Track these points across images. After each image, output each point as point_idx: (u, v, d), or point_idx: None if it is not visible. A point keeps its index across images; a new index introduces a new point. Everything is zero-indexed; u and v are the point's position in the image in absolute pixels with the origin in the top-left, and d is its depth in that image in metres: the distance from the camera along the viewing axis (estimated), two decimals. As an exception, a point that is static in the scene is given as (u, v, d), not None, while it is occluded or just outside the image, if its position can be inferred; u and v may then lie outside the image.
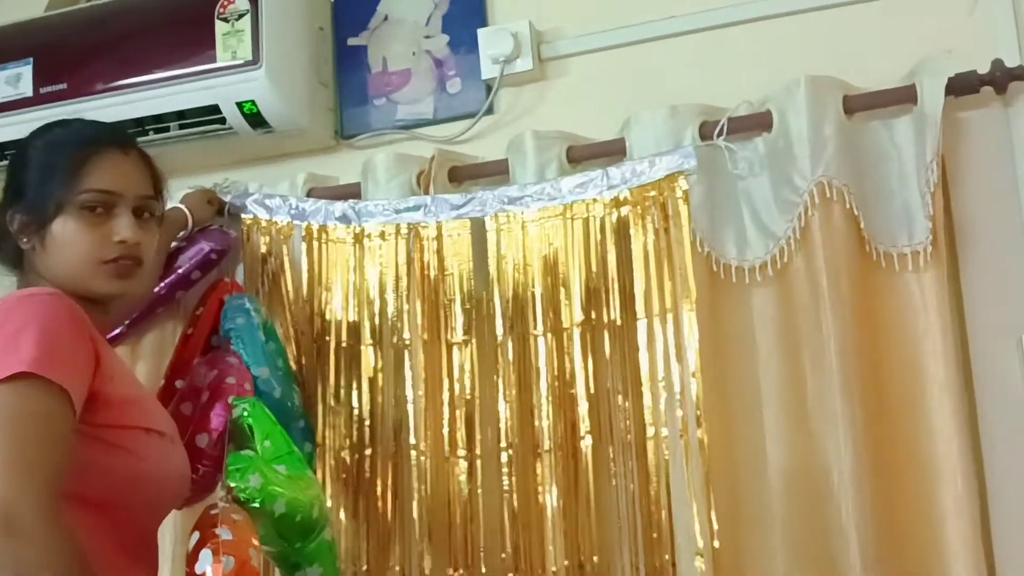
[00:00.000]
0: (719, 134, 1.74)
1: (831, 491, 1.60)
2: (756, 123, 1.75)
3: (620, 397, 1.69)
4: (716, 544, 1.57)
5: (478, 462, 1.74)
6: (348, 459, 1.78)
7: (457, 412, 1.76)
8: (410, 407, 1.75)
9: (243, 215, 1.85)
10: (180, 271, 1.74)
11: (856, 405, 1.60)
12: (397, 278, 1.82)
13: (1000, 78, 1.64)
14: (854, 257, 1.66)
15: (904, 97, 1.67)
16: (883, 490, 1.60)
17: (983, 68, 1.65)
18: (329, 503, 1.71)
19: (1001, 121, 1.68)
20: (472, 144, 1.98)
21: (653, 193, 1.69)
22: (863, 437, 1.59)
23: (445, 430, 1.76)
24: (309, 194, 1.96)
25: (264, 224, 1.87)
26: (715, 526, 1.58)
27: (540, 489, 1.69)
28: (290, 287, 1.84)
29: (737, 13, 1.86)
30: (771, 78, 1.75)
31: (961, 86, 1.65)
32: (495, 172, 1.89)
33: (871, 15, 1.78)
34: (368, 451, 1.77)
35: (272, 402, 1.58)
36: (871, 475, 1.58)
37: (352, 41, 2.13)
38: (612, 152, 1.82)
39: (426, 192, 1.86)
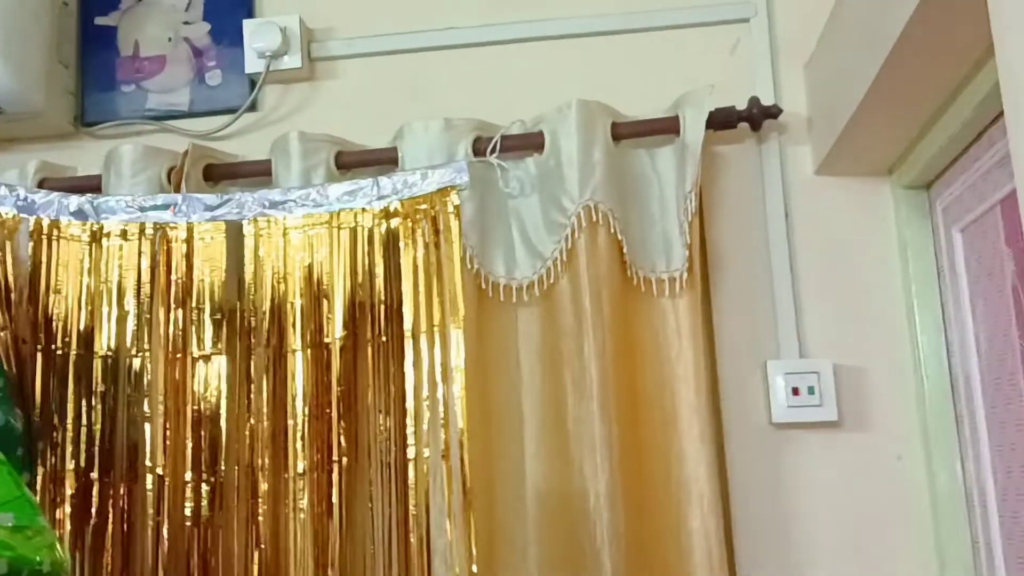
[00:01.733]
0: (492, 151, 1.67)
1: (587, 513, 1.56)
2: (528, 143, 1.69)
3: (382, 416, 1.55)
4: (475, 568, 1.48)
5: (222, 486, 1.54)
6: (74, 483, 1.54)
7: (202, 432, 1.56)
8: (147, 425, 1.54)
9: (-43, 204, 1.56)
10: None
11: (613, 427, 1.56)
12: (139, 283, 1.61)
13: (756, 115, 1.67)
14: (616, 281, 1.63)
15: (668, 127, 1.67)
16: (636, 512, 1.58)
17: (741, 105, 1.67)
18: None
19: (754, 156, 1.72)
20: (232, 142, 1.80)
21: (424, 206, 1.59)
22: (619, 459, 1.56)
23: (188, 451, 1.56)
24: (40, 185, 1.71)
25: (-16, 216, 1.59)
26: (474, 550, 1.48)
27: (290, 514, 1.53)
28: (12, 288, 1.58)
29: (514, 31, 1.81)
30: (544, 99, 1.70)
31: (720, 120, 1.66)
32: (256, 173, 1.72)
33: (640, 46, 1.78)
34: (96, 474, 1.54)
35: None
36: (625, 497, 1.55)
37: (100, 20, 1.88)
38: (383, 161, 1.70)
39: (177, 190, 1.66)
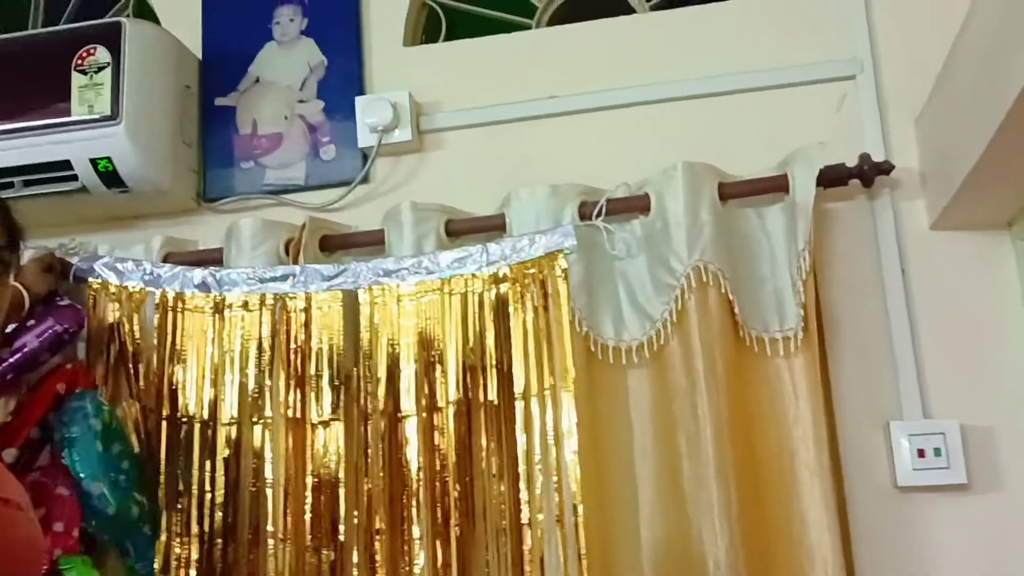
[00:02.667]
0: (598, 214, 1.67)
1: (707, 579, 1.51)
2: (634, 205, 1.69)
3: (495, 481, 1.55)
4: (592, 634, 1.45)
5: (342, 551, 1.56)
6: (198, 549, 1.57)
7: (321, 497, 1.58)
8: (269, 491, 1.57)
9: (90, 278, 1.64)
10: (26, 350, 1.52)
11: (731, 491, 1.52)
12: (260, 351, 1.65)
13: (867, 171, 1.64)
14: (728, 341, 1.61)
15: (777, 186, 1.65)
16: (757, 578, 1.52)
17: (851, 161, 1.65)
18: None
19: (867, 213, 1.69)
20: (346, 213, 1.85)
21: (533, 270, 1.60)
22: (738, 524, 1.52)
23: (308, 516, 1.58)
24: (166, 259, 1.78)
25: (114, 290, 1.67)
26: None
27: (408, 578, 1.53)
28: (140, 359, 1.64)
29: (616, 97, 1.82)
30: (649, 162, 1.70)
31: (830, 178, 1.64)
32: (370, 243, 1.76)
33: (745, 105, 1.77)
34: (220, 540, 1.57)
35: (106, 519, 1.44)
36: (747, 563, 1.50)
37: (220, 101, 1.97)
38: (491, 227, 1.72)
39: (295, 261, 1.71)
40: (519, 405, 1.57)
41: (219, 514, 1.59)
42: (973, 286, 1.63)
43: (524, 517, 1.53)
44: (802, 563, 1.52)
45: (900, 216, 1.67)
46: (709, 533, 1.52)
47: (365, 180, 1.86)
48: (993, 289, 1.62)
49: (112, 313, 1.67)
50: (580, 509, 1.47)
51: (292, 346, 1.65)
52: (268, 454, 1.59)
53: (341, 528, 1.57)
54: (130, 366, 1.67)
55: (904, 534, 1.56)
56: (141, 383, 1.66)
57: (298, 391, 1.63)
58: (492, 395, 1.59)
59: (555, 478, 1.51)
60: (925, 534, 1.56)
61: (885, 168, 1.65)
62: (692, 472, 1.56)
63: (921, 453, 1.55)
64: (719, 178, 1.67)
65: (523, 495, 1.53)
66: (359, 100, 1.86)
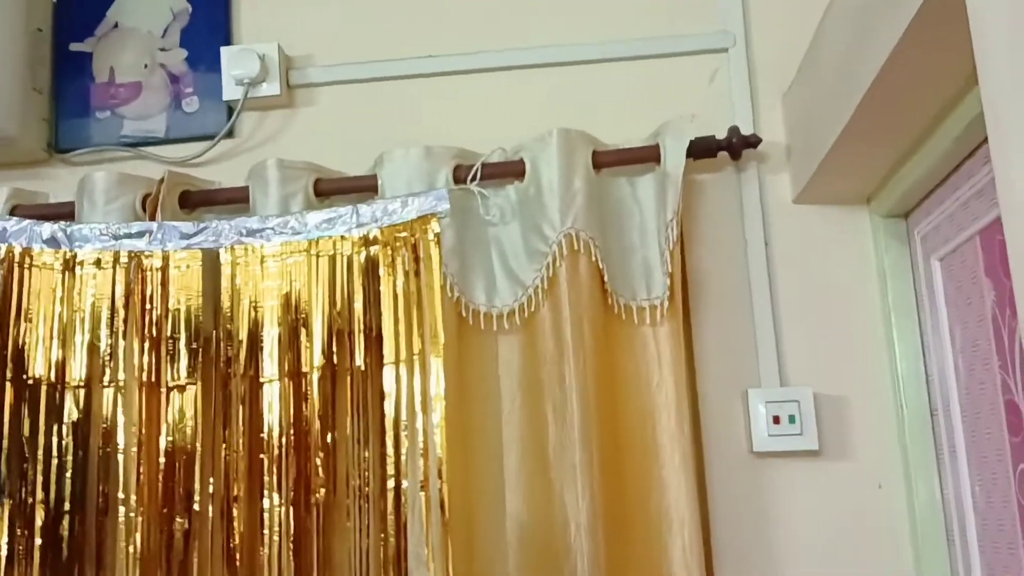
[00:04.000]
0: (472, 179, 1.65)
1: (568, 544, 1.53)
2: (509, 171, 1.67)
3: (360, 447, 1.52)
4: (452, 600, 1.44)
5: (197, 518, 1.50)
6: (43, 516, 1.48)
7: (176, 463, 1.52)
8: (120, 457, 1.50)
9: (-75, 230, 1.52)
10: None
11: (594, 456, 1.54)
12: (113, 311, 1.56)
13: (735, 144, 1.67)
14: (597, 308, 1.61)
15: (648, 156, 1.65)
16: (617, 542, 1.55)
17: (720, 134, 1.66)
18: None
19: (734, 185, 1.72)
20: (208, 169, 1.77)
21: (404, 234, 1.56)
22: (600, 488, 1.53)
23: (161, 483, 1.51)
24: (13, 212, 1.68)
25: (-47, 243, 1.54)
26: (453, 581, 1.45)
27: (266, 548, 1.49)
28: (-19, 317, 1.53)
29: (493, 59, 1.79)
30: (525, 127, 1.69)
31: (700, 149, 1.66)
32: (233, 200, 1.69)
33: (620, 74, 1.77)
34: (68, 508, 1.49)
35: None
36: (606, 527, 1.52)
37: (75, 47, 1.85)
38: (362, 188, 1.67)
39: (152, 217, 1.62)
40: (387, 371, 1.54)
41: (67, 481, 1.51)
42: (832, 259, 1.68)
43: (389, 483, 1.51)
44: (660, 525, 1.55)
45: (765, 189, 1.70)
46: (571, 497, 1.53)
47: (230, 135, 1.78)
48: (851, 262, 1.68)
49: (-49, 268, 1.56)
50: (444, 474, 1.46)
51: (147, 306, 1.57)
52: (120, 418, 1.52)
53: (196, 496, 1.51)
54: (-30, 325, 1.56)
55: (758, 497, 1.61)
56: (-18, 342, 1.56)
57: (153, 353, 1.56)
58: (359, 360, 1.55)
59: (421, 444, 1.49)
60: (778, 497, 1.61)
61: (752, 141, 1.67)
62: (557, 438, 1.57)
63: (776, 420, 1.60)
64: (593, 146, 1.67)
65: (389, 461, 1.51)
66: (225, 51, 1.77)
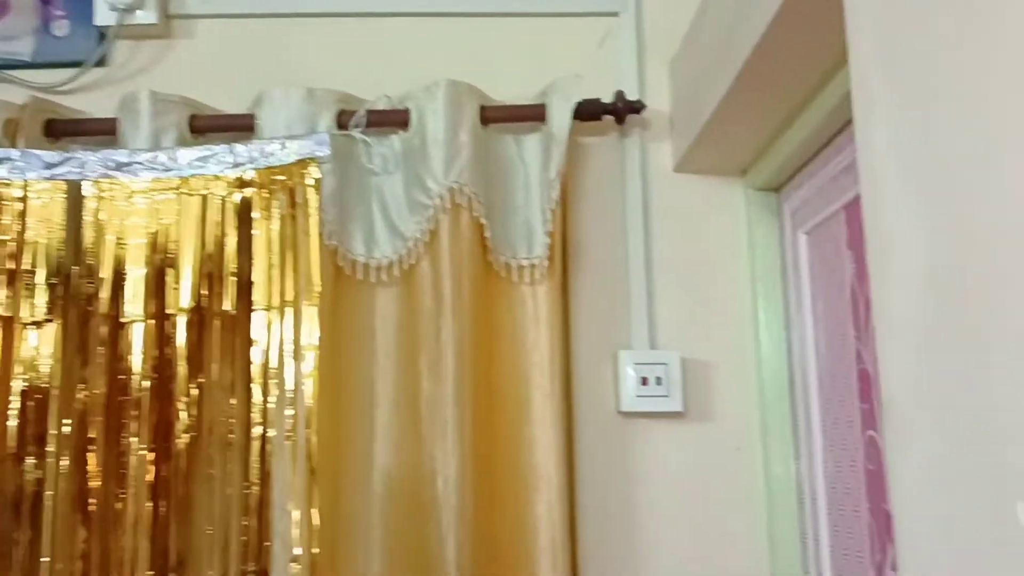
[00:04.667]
0: (356, 125, 1.61)
1: (435, 497, 1.53)
2: (394, 119, 1.64)
3: (226, 393, 1.48)
4: (315, 550, 1.43)
5: (50, 460, 1.44)
6: None
7: (29, 403, 1.44)
8: (-32, 394, 1.42)
9: None
10: None
11: (467, 412, 1.54)
12: (-35, 241, 1.47)
13: (621, 109, 1.68)
14: (477, 265, 1.61)
15: (535, 115, 1.65)
16: (484, 497, 1.56)
17: (607, 97, 1.67)
18: None
19: (617, 149, 1.73)
20: (77, 97, 1.68)
21: (282, 177, 1.52)
22: (470, 444, 1.54)
23: (13, 423, 1.44)
24: None
25: None
26: (316, 531, 1.43)
27: (124, 492, 1.44)
28: None
29: (384, 4, 1.75)
30: (412, 76, 1.66)
31: (587, 111, 1.66)
32: (101, 131, 1.61)
33: (511, 30, 1.76)
34: (-94, 446, 1.41)
35: None
36: (474, 482, 1.53)
37: (-67, -44, 1.71)
38: (239, 127, 1.61)
39: (13, 144, 1.53)
40: (258, 317, 1.50)
41: (-93, 418, 1.42)
42: (707, 228, 1.72)
43: (255, 432, 1.48)
44: (527, 482, 1.57)
45: (647, 156, 1.73)
46: (441, 452, 1.53)
47: (101, 63, 1.69)
48: (724, 232, 1.72)
49: None
50: (314, 424, 1.44)
51: (4, 237, 1.48)
52: (-32, 354, 1.44)
53: (50, 436, 1.45)
54: None
55: (624, 456, 1.64)
56: None
57: (9, 287, 1.47)
58: (228, 305, 1.51)
59: (290, 393, 1.46)
60: (643, 457, 1.65)
61: (637, 107, 1.69)
62: (430, 393, 1.56)
63: (644, 381, 1.64)
64: (481, 100, 1.65)
65: (255, 409, 1.48)
66: (99, -27, 1.67)
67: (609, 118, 1.69)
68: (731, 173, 1.72)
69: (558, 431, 1.58)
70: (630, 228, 1.70)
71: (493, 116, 1.65)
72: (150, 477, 1.45)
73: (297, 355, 1.48)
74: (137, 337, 1.48)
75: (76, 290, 1.49)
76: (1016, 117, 0.71)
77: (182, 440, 1.47)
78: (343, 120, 1.62)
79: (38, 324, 1.48)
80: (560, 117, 1.62)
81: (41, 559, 1.42)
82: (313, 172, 1.52)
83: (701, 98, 1.55)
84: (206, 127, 1.62)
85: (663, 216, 1.71)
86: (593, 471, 1.64)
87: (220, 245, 1.52)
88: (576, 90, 1.63)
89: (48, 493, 1.44)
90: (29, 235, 1.49)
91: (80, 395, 1.46)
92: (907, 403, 0.87)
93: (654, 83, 1.74)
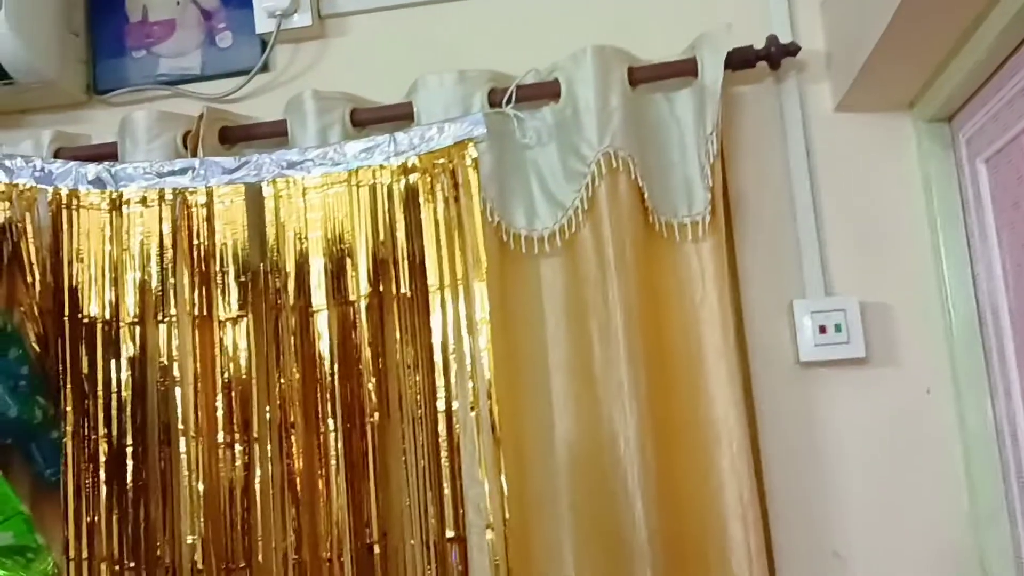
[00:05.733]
0: (508, 102, 1.62)
1: (617, 459, 1.53)
2: (544, 92, 1.64)
3: (410, 371, 1.53)
4: (507, 516, 1.47)
5: (256, 446, 1.53)
6: (106, 449, 1.52)
7: (232, 394, 1.54)
8: (178, 390, 1.52)
9: (-25, 177, 1.54)
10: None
11: (640, 373, 1.53)
12: (161, 248, 1.58)
13: (775, 54, 1.62)
14: (638, 227, 1.60)
15: (685, 70, 1.62)
16: (666, 456, 1.55)
17: (759, 44, 1.62)
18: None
19: (774, 96, 1.68)
20: (245, 104, 1.76)
21: (442, 160, 1.55)
22: (647, 405, 1.53)
23: (219, 413, 1.54)
24: (56, 155, 1.68)
25: (3, 188, 1.57)
26: (506, 497, 1.47)
27: (324, 472, 1.52)
28: (34, 260, 1.56)
29: (524, -22, 1.74)
30: (557, 47, 1.65)
31: (738, 61, 1.61)
32: (272, 134, 1.68)
33: (653, -13, 1.72)
34: (129, 440, 1.53)
35: (7, 423, 1.39)
36: (654, 442, 1.53)
37: (107, -12, 1.83)
38: (399, 116, 1.66)
39: (193, 154, 1.62)
40: (432, 296, 1.54)
41: (127, 415, 1.55)
42: (875, 167, 1.64)
43: (440, 406, 1.52)
44: (707, 439, 1.55)
45: (806, 98, 1.66)
46: (619, 413, 1.53)
47: (264, 68, 1.77)
48: (895, 170, 1.64)
49: (2, 213, 1.58)
50: (494, 395, 1.47)
51: (195, 242, 1.58)
52: (175, 352, 1.55)
53: (254, 423, 1.54)
54: (25, 268, 1.59)
55: (806, 407, 1.60)
56: (38, 286, 1.59)
57: (203, 288, 1.57)
58: (404, 288, 1.56)
59: (469, 367, 1.50)
60: (826, 407, 1.60)
61: (792, 50, 1.63)
62: (602, 357, 1.57)
63: (823, 329, 1.59)
64: (628, 62, 1.63)
65: (439, 384, 1.52)
66: (255, -17, 1.75)
67: (763, 64, 1.64)
68: (898, 107, 1.64)
69: (735, 386, 1.55)
70: (794, 175, 1.64)
71: (642, 77, 1.63)
72: (347, 454, 1.52)
73: (472, 330, 1.51)
74: (323, 325, 1.55)
75: (264, 286, 1.57)
76: None
77: (373, 419, 1.53)
78: (495, 98, 1.63)
79: (233, 320, 1.57)
80: (712, 69, 1.58)
81: (256, 539, 1.52)
82: (471, 152, 1.54)
83: (860, 33, 1.47)
84: (367, 119, 1.67)
85: (828, 159, 1.65)
86: (776, 424, 1.61)
87: (391, 231, 1.57)
88: (726, 40, 1.58)
89: (257, 476, 1.53)
90: (217, 238, 1.58)
91: (277, 383, 1.54)
92: None
93: (807, 24, 1.67)
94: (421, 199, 1.56)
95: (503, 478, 1.47)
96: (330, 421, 1.52)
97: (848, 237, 1.63)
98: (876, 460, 1.58)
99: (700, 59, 1.60)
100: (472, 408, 1.49)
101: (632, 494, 1.51)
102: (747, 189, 1.65)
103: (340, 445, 1.52)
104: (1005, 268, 1.47)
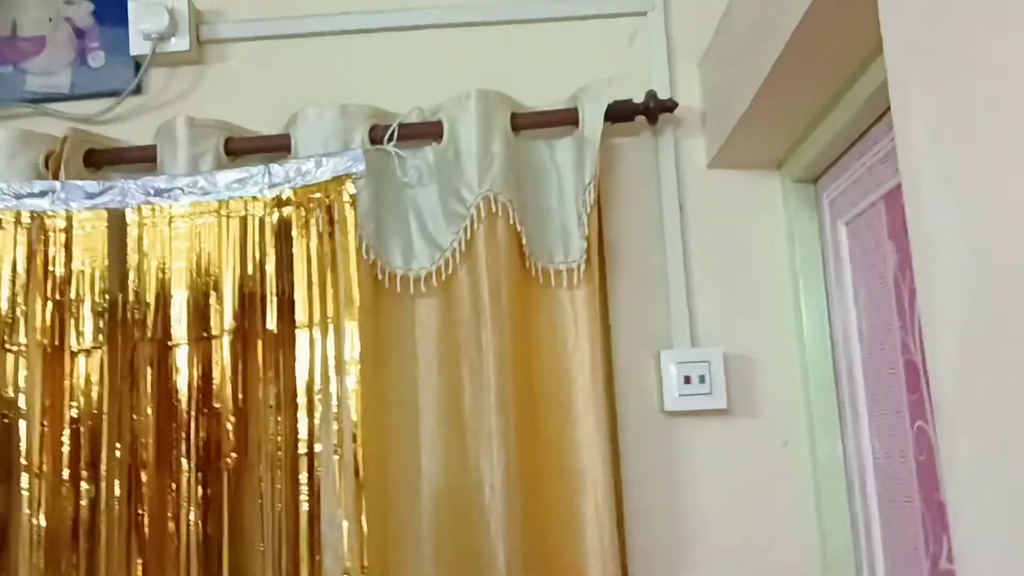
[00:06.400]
0: (390, 139, 1.60)
1: (482, 506, 1.52)
2: (427, 132, 1.63)
3: (272, 411, 1.48)
4: (365, 562, 1.43)
5: (103, 485, 1.45)
6: (-59, 485, 1.42)
7: (81, 429, 1.46)
8: (23, 423, 1.44)
9: None
10: None
11: (510, 419, 1.52)
12: (14, 273, 1.50)
13: (653, 108, 1.65)
14: (515, 272, 1.59)
15: (567, 119, 1.63)
16: (531, 503, 1.54)
17: (638, 98, 1.65)
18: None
19: (650, 149, 1.71)
20: (115, 126, 1.69)
21: (319, 195, 1.52)
22: (515, 451, 1.52)
23: (66, 449, 1.45)
24: (-94, 169, 1.56)
25: None
26: (365, 543, 1.43)
27: (175, 514, 1.45)
28: None
29: (411, 18, 1.74)
30: (442, 87, 1.65)
31: (618, 113, 1.64)
32: (140, 159, 1.62)
33: (538, 35, 1.74)
34: (-33, 475, 1.43)
35: None
36: (521, 488, 1.52)
37: (-27, -2, 1.74)
38: (275, 148, 1.62)
39: (55, 176, 1.55)
40: (300, 334, 1.50)
41: (-33, 447, 1.45)
42: (744, 223, 1.69)
43: (302, 448, 1.48)
44: (574, 487, 1.55)
45: (681, 153, 1.70)
46: (486, 460, 1.52)
47: (137, 91, 1.71)
48: (762, 227, 1.69)
49: None
50: (359, 438, 1.44)
51: (50, 268, 1.50)
52: (22, 384, 1.46)
53: (103, 461, 1.46)
54: None
55: (669, 455, 1.62)
56: None
57: (57, 317, 1.49)
58: (271, 324, 1.52)
59: (335, 408, 1.46)
60: (688, 455, 1.62)
61: (669, 106, 1.66)
62: (473, 401, 1.55)
63: (687, 379, 1.61)
64: (512, 108, 1.64)
65: (301, 426, 1.48)
66: (132, 4, 1.68)
67: (641, 118, 1.67)
68: (767, 166, 1.69)
69: (602, 433, 1.56)
70: (667, 227, 1.67)
71: (525, 123, 1.64)
72: (200, 496, 1.46)
73: (340, 370, 1.48)
74: (183, 360, 1.49)
75: (122, 317, 1.50)
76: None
77: (230, 460, 1.48)
78: (376, 135, 1.62)
79: (87, 352, 1.49)
80: (592, 120, 1.60)
81: (102, 580, 1.44)
82: (349, 188, 1.52)
83: (733, 93, 1.52)
84: (243, 149, 1.62)
85: (699, 213, 1.68)
86: (639, 472, 1.62)
87: (260, 265, 1.52)
88: (607, 93, 1.61)
89: (103, 517, 1.45)
90: (75, 265, 1.51)
91: (130, 420, 1.47)
92: (956, 397, 0.84)
93: (684, 81, 1.71)
94: (294, 233, 1.53)
95: (364, 523, 1.43)
96: (184, 461, 1.46)
97: (716, 290, 1.66)
98: (735, 509, 1.61)
99: (581, 110, 1.62)
100: (336, 451, 1.45)
101: (495, 541, 1.49)
102: (621, 239, 1.68)
103: (194, 486, 1.45)
104: (860, 326, 1.53)
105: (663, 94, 1.68)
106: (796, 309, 1.65)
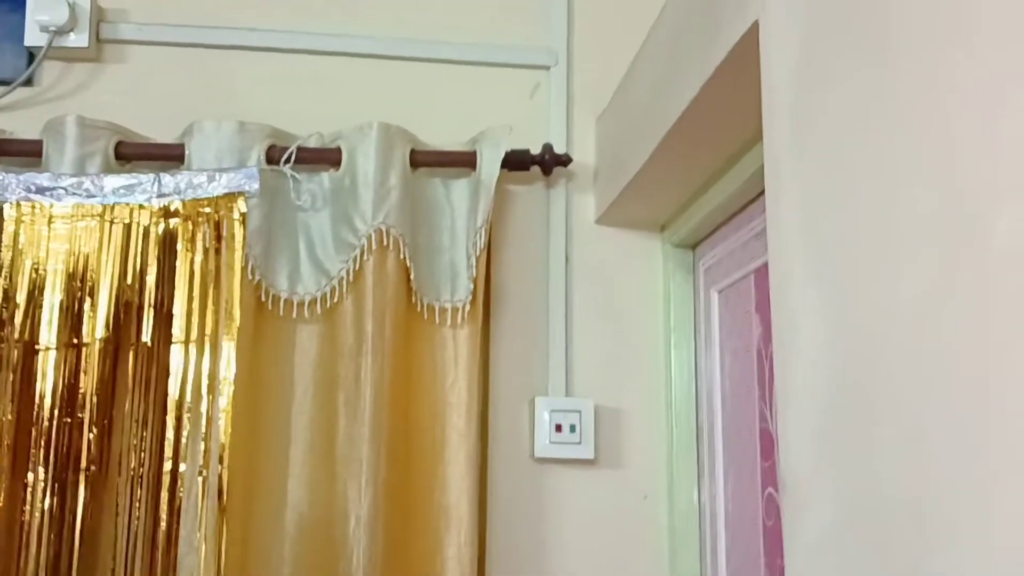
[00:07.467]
0: (287, 161, 1.61)
1: (346, 537, 1.53)
2: (325, 157, 1.65)
3: (138, 425, 1.46)
4: (222, 587, 1.42)
5: (-51, 490, 1.40)
6: None
7: (-70, 429, 1.40)
8: None
9: None
10: None
11: (381, 452, 1.55)
12: None
13: (548, 161, 1.72)
14: (400, 306, 1.62)
15: (465, 161, 1.68)
16: (396, 537, 1.56)
17: (535, 148, 1.72)
18: None
19: (543, 199, 1.77)
20: (1, 116, 1.63)
21: (208, 209, 1.51)
22: (384, 484, 1.54)
23: (-90, 449, 1.39)
24: None
25: None
26: (223, 568, 1.42)
27: (26, 523, 1.40)
28: None
29: (319, 42, 1.76)
30: (343, 115, 1.67)
31: (515, 161, 1.70)
32: (25, 153, 1.57)
33: (444, 76, 1.79)
34: None
35: None
36: (386, 522, 1.54)
37: None
38: (168, 157, 1.60)
39: (-71, 161, 1.49)
40: (175, 349, 1.49)
41: None
42: (625, 280, 1.77)
43: (166, 466, 1.46)
44: (439, 524, 1.58)
45: (571, 207, 1.77)
46: (354, 491, 1.53)
47: (28, 83, 1.66)
48: (641, 285, 1.77)
49: None
50: (225, 460, 1.43)
51: (-87, 257, 1.44)
52: None
53: (-49, 464, 1.41)
54: None
55: (535, 501, 1.67)
56: None
57: (-86, 308, 1.43)
58: (146, 336, 1.49)
59: (204, 428, 1.45)
60: (554, 502, 1.68)
61: (564, 160, 1.73)
62: (347, 432, 1.57)
63: (559, 428, 1.67)
64: (412, 144, 1.68)
65: (168, 442, 1.46)
66: (32, -8, 1.65)
67: (536, 169, 1.73)
68: (650, 228, 1.78)
69: (472, 473, 1.60)
70: (552, 276, 1.74)
71: (423, 160, 1.68)
72: (53, 507, 1.42)
73: (213, 389, 1.47)
74: (50, 365, 1.45)
75: (-12, 314, 1.46)
76: (913, 202, 0.77)
77: (89, 472, 1.44)
78: (273, 155, 1.62)
79: (-55, 347, 1.44)
80: (489, 165, 1.66)
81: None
82: (240, 206, 1.52)
83: (626, 155, 1.60)
84: (133, 154, 1.60)
85: (584, 266, 1.76)
86: (505, 514, 1.66)
87: (141, 275, 1.50)
88: (506, 140, 1.67)
89: (-55, 521, 1.40)
90: (-59, 255, 1.46)
91: (-15, 422, 1.42)
92: (805, 474, 0.92)
93: (581, 137, 1.79)
94: (180, 246, 1.52)
95: (223, 547, 1.42)
96: (40, 469, 1.41)
97: (593, 341, 1.73)
98: (595, 557, 1.67)
99: (480, 153, 1.67)
100: (201, 472, 1.44)
101: (355, 574, 1.50)
102: (507, 283, 1.73)
103: (48, 495, 1.41)
104: (724, 389, 1.62)
105: (559, 148, 1.75)
106: (667, 367, 1.74)
